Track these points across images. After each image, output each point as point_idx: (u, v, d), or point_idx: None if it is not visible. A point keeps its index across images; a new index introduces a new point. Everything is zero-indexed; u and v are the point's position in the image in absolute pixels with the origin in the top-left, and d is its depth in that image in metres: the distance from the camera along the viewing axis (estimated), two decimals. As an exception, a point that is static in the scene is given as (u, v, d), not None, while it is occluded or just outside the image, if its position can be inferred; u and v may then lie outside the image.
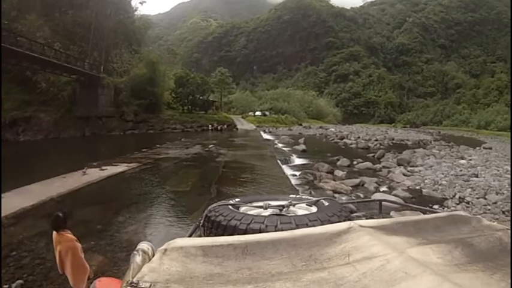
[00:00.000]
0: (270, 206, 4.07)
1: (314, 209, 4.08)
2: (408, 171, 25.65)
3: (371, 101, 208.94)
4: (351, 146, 46.94)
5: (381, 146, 46.07)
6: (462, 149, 45.74)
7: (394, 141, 57.83)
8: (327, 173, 23.87)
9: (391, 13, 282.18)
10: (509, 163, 29.90)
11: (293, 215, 3.86)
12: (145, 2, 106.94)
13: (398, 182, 21.71)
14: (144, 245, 1.98)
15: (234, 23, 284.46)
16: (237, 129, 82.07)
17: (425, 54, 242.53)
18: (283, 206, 4.06)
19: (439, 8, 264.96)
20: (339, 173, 23.97)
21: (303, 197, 4.89)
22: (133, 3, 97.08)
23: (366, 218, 3.83)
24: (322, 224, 3.02)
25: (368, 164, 28.06)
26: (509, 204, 16.00)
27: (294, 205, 4.16)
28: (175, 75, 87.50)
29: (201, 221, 3.88)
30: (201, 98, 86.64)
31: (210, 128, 75.32)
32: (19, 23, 58.11)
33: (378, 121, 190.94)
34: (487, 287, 1.60)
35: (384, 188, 20.26)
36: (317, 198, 4.42)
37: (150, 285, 1.59)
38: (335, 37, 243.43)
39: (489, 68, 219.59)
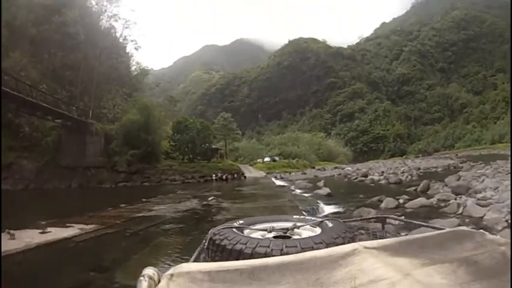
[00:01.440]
0: (274, 229, 3.89)
1: (318, 230, 3.84)
2: (479, 199, 19.53)
3: (379, 136, 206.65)
4: (379, 182, 40.54)
5: (413, 178, 41.61)
6: (500, 164, 42.04)
7: (422, 171, 53.47)
8: (380, 221, 19.31)
9: (387, 45, 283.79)
10: None
11: (298, 237, 3.66)
12: (140, 47, 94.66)
13: (481, 217, 15.79)
14: (149, 271, 1.88)
15: (235, 73, 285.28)
16: (245, 177, 73.71)
17: (426, 81, 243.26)
18: (287, 229, 3.88)
19: (432, 33, 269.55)
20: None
21: (307, 218, 4.57)
22: (128, 49, 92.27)
23: (369, 235, 3.76)
24: (327, 246, 2.93)
25: (421, 200, 21.47)
26: None
27: (298, 227, 3.97)
28: (173, 121, 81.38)
29: (205, 244, 3.68)
30: (202, 145, 78.35)
31: (214, 178, 67.08)
32: (2, 61, 51.62)
33: (388, 155, 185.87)
34: None
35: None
36: (321, 219, 4.12)
37: None
38: (336, 77, 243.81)
39: (490, 81, 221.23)
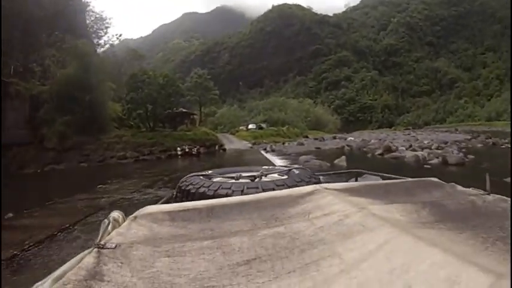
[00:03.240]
0: (242, 177, 4.14)
1: (285, 177, 4.07)
2: None
3: (366, 106, 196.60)
4: (430, 161, 25.94)
5: (463, 155, 26.79)
6: None
7: (454, 145, 39.83)
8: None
9: (375, 16, 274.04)
10: None
11: (261, 180, 3.93)
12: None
13: None
14: (115, 213, 1.96)
15: (216, 39, 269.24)
16: (224, 150, 56.99)
17: (414, 53, 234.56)
18: (254, 177, 4.13)
19: (422, 6, 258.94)
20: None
21: (276, 167, 4.91)
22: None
23: None
24: (289, 188, 2.96)
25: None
26: None
27: (266, 175, 4.28)
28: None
29: (174, 192, 4.02)
30: (167, 107, 59.65)
31: (179, 153, 50.14)
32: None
33: (376, 126, 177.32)
34: (452, 243, 1.52)
35: None
36: (289, 168, 4.50)
37: (116, 246, 1.63)
38: (321, 44, 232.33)
39: (479, 59, 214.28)
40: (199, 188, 3.61)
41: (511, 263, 1.24)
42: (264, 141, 71.90)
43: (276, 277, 1.49)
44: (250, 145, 64.04)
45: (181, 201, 3.41)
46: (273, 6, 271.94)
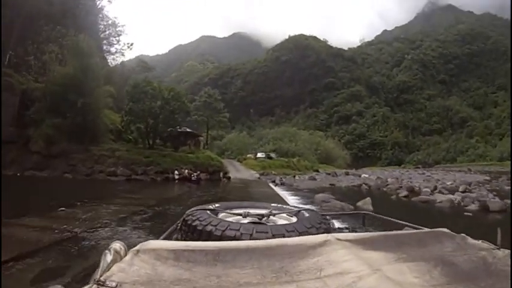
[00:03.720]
0: (249, 214, 3.99)
1: (294, 219, 3.90)
2: None
3: (377, 142, 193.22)
4: (466, 207, 22.74)
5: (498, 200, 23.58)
6: None
7: (470, 187, 37.50)
8: None
9: (389, 52, 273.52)
10: None
11: (271, 224, 3.79)
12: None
13: None
14: (116, 245, 1.93)
15: (230, 64, 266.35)
16: (228, 178, 51.79)
17: (426, 91, 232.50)
18: (262, 215, 3.98)
19: (436, 44, 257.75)
20: None
21: (285, 207, 4.59)
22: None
23: (348, 230, 3.76)
24: (300, 235, 2.96)
25: None
26: None
27: (274, 215, 4.09)
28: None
29: (179, 224, 3.79)
30: (171, 125, 55.08)
31: (176, 177, 44.95)
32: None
33: (385, 163, 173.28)
34: None
35: None
36: (298, 209, 4.25)
37: (117, 285, 1.58)
38: (335, 77, 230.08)
39: (491, 98, 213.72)
40: (207, 225, 3.37)
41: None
42: (273, 172, 68.05)
43: None
44: (257, 175, 59.64)
45: (186, 235, 3.42)
46: (290, 36, 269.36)
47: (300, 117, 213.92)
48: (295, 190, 36.94)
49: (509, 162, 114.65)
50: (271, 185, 43.95)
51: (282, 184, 45.56)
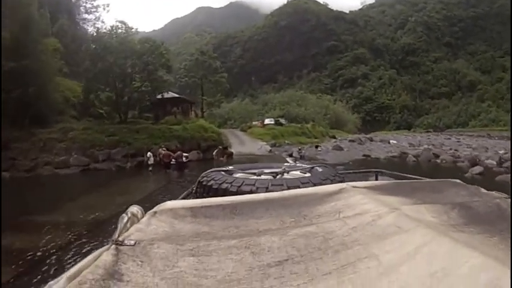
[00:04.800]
0: (263, 173, 4.18)
1: (308, 175, 4.11)
2: None
3: (384, 105, 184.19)
4: None
5: None
6: None
7: None
8: None
9: (392, 14, 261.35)
10: None
11: (285, 177, 4.00)
12: None
13: None
14: (133, 208, 1.92)
15: (229, 33, 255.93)
16: (230, 155, 36.84)
17: (432, 53, 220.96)
18: (276, 173, 4.19)
19: (440, 6, 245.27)
20: None
21: (298, 164, 5.23)
22: None
23: None
24: (315, 186, 3.03)
25: None
26: None
27: (288, 172, 4.32)
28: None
29: (194, 187, 4.04)
30: (148, 90, 43.04)
31: (149, 163, 31.31)
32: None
33: (394, 127, 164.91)
34: (485, 247, 1.50)
35: None
36: (312, 166, 4.62)
37: (135, 243, 1.56)
38: (337, 40, 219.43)
39: (499, 62, 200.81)
40: (222, 183, 3.55)
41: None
42: (286, 141, 55.21)
43: (311, 279, 1.45)
44: (268, 147, 47.02)
45: (202, 196, 3.47)
46: (288, 1, 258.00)
47: (304, 82, 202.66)
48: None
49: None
50: (289, 159, 33.84)
51: (302, 157, 36.15)
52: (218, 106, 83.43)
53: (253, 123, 71.33)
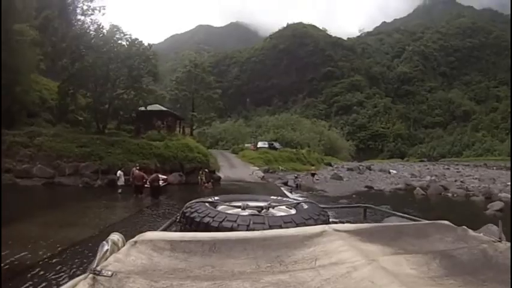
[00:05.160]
0: (248, 207, 4.16)
1: (293, 211, 4.16)
2: None
3: (378, 133, 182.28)
4: None
5: None
6: None
7: None
8: None
9: (389, 42, 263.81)
10: None
11: (269, 215, 3.98)
12: None
13: None
14: (114, 236, 1.93)
15: (227, 52, 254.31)
16: (218, 181, 35.37)
17: (427, 83, 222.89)
18: (262, 208, 4.16)
19: (437, 36, 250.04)
20: None
21: (284, 199, 5.00)
22: None
23: (350, 223, 3.69)
24: (297, 226, 3.14)
25: None
26: None
27: (273, 207, 4.28)
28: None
29: (178, 217, 4.09)
30: (131, 99, 38.58)
31: (118, 184, 26.13)
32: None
33: (387, 156, 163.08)
34: None
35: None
36: (297, 201, 4.59)
37: (112, 275, 1.55)
38: (334, 66, 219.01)
39: (493, 92, 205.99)
40: (204, 217, 3.58)
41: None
42: (281, 167, 51.57)
43: None
44: (260, 173, 42.50)
45: (185, 227, 3.60)
46: (288, 25, 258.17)
47: (298, 106, 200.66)
48: (325, 200, 23.56)
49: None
50: (283, 190, 29.68)
51: (298, 187, 32.85)
52: (209, 124, 76.46)
53: (246, 145, 68.33)
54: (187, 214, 3.72)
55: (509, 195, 26.05)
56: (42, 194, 26.09)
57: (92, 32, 38.07)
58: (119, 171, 26.20)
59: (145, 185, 23.93)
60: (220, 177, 36.61)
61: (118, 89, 37.82)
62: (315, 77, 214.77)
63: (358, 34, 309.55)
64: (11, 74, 30.70)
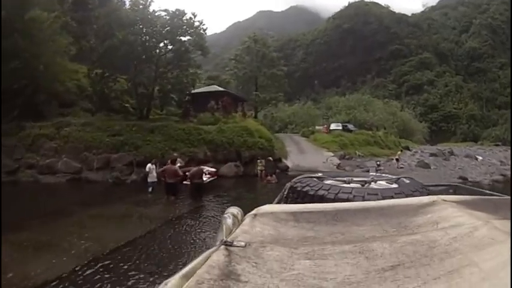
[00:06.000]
0: (352, 181, 4.35)
1: (395, 185, 4.32)
2: None
3: (451, 115, 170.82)
4: None
5: None
6: None
7: None
8: None
9: (455, 16, 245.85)
10: None
11: (379, 187, 4.23)
12: None
13: None
14: (234, 209, 2.05)
15: (290, 36, 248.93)
16: (284, 171, 32.16)
17: (498, 59, 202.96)
18: (365, 182, 4.37)
19: (503, 7, 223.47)
20: None
21: (383, 175, 5.09)
22: None
23: None
24: (406, 197, 3.20)
25: None
26: None
27: (375, 181, 4.45)
28: None
29: (285, 192, 4.13)
30: (182, 83, 34.93)
31: (149, 180, 20.88)
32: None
33: (460, 139, 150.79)
34: None
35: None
36: (397, 177, 4.70)
37: (246, 245, 1.62)
38: (401, 44, 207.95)
39: None
40: (318, 190, 3.72)
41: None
42: (358, 152, 47.15)
43: (424, 283, 1.51)
44: (336, 160, 38.53)
45: (296, 202, 3.58)
46: (349, 3, 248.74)
47: (368, 87, 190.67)
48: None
49: None
50: None
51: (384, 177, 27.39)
52: (275, 105, 72.81)
53: (317, 127, 62.84)
54: (298, 188, 3.78)
55: None
56: (61, 193, 23.14)
57: (126, 8, 34.84)
58: (149, 164, 21.39)
59: (185, 181, 19.53)
60: (287, 167, 33.38)
61: (161, 67, 33.99)
62: (382, 56, 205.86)
63: (422, 9, 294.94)
64: (34, 63, 28.78)
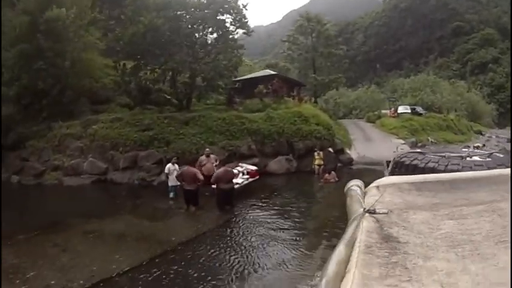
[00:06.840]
0: (450, 156, 4.69)
1: (489, 159, 4.59)
2: None
3: None
4: None
5: None
6: None
7: None
8: None
9: None
10: None
11: (483, 160, 4.50)
12: None
13: None
14: (357, 181, 2.21)
15: (348, 20, 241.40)
16: (347, 164, 27.58)
17: None
18: (462, 157, 4.73)
19: None
20: None
21: (475, 150, 6.07)
22: None
23: None
24: (506, 167, 3.47)
25: None
26: None
27: (471, 156, 4.85)
28: None
29: (389, 167, 4.59)
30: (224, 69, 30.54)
31: (169, 183, 16.95)
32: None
33: None
34: None
35: None
36: (490, 152, 5.24)
37: (388, 212, 1.74)
38: (462, 20, 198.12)
39: None
40: (428, 162, 3.99)
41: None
42: (431, 139, 39.73)
43: None
44: (408, 148, 30.90)
45: (404, 174, 3.64)
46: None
47: (431, 68, 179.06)
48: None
49: None
50: None
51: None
52: (336, 88, 67.33)
53: (383, 111, 57.04)
54: (406, 162, 4.03)
55: None
56: (82, 195, 21.13)
57: None
58: (169, 164, 17.27)
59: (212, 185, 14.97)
60: (351, 160, 28.43)
61: (199, 51, 30.61)
62: (443, 34, 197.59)
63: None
64: (58, 61, 28.11)
